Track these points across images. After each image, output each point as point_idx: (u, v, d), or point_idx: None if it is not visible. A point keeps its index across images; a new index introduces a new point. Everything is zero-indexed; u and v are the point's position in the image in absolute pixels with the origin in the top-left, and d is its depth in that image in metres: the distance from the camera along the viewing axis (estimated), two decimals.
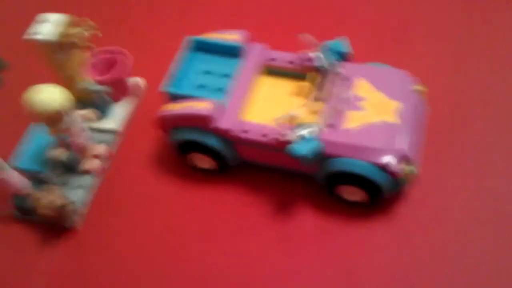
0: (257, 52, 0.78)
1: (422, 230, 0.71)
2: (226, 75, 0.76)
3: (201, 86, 0.76)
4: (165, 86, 0.75)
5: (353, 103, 0.71)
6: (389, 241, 0.70)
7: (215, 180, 0.79)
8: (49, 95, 0.69)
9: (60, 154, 0.76)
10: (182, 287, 0.71)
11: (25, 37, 0.76)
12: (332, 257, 0.70)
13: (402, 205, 0.73)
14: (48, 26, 0.77)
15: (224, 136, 0.72)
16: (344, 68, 0.73)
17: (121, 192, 0.80)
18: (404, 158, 0.67)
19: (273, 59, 0.77)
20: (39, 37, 0.76)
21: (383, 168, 0.67)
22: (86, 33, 0.79)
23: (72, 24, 0.79)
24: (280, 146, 0.69)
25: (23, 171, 0.77)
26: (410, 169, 0.67)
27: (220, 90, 0.75)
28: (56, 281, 0.73)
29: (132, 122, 0.88)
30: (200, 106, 0.71)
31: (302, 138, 0.67)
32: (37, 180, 0.78)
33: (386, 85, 0.72)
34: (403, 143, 0.67)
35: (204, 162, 0.78)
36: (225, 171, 0.78)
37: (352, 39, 0.77)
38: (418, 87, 0.73)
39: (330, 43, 0.75)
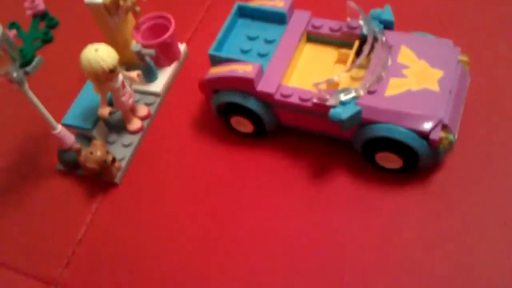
0: (301, 19, 0.79)
1: (458, 198, 0.71)
2: (270, 41, 0.78)
3: (246, 51, 0.78)
4: (210, 49, 0.77)
5: (396, 71, 0.71)
6: (425, 208, 0.71)
7: (254, 143, 0.81)
8: (104, 53, 0.72)
9: (106, 112, 0.79)
10: (214, 240, 0.73)
11: (86, 1, 0.80)
12: (367, 223, 0.71)
13: (438, 173, 0.73)
14: None
15: (265, 99, 0.74)
16: (388, 37, 0.74)
17: (160, 152, 0.83)
18: (443, 126, 0.67)
19: (317, 27, 0.78)
20: (97, 1, 0.79)
21: (422, 135, 0.67)
22: None
23: None
24: (320, 110, 0.70)
25: (71, 128, 0.81)
26: (448, 138, 0.68)
27: (264, 55, 0.77)
28: (100, 232, 0.77)
29: (174, 86, 0.90)
30: (244, 69, 0.73)
31: (342, 103, 0.69)
32: (84, 136, 0.82)
33: (429, 53, 0.72)
34: (443, 111, 0.67)
35: (243, 125, 0.80)
36: (263, 135, 0.80)
37: (396, 8, 0.77)
38: (461, 57, 0.73)
39: (375, 11, 0.75)
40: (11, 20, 0.74)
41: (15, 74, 0.69)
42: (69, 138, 0.79)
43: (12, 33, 0.71)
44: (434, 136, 0.67)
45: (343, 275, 0.68)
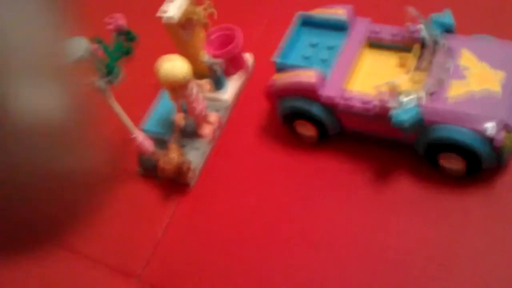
0: (361, 26, 0.82)
1: None
2: (332, 48, 0.81)
3: (308, 58, 0.81)
4: (274, 57, 0.81)
5: (456, 73, 0.72)
6: (489, 211, 0.71)
7: (318, 148, 0.84)
8: (178, 64, 0.79)
9: (180, 119, 0.85)
10: (283, 241, 0.77)
11: (158, 14, 0.87)
12: (428, 226, 0.72)
13: (501, 176, 0.73)
14: (177, 5, 0.86)
15: (328, 104, 0.77)
16: (448, 40, 0.75)
17: (230, 156, 0.88)
18: (505, 127, 0.68)
19: (377, 32, 0.80)
20: (168, 15, 0.86)
21: (484, 135, 0.68)
22: (206, 12, 0.88)
23: (194, 3, 0.88)
24: (381, 113, 0.73)
25: (149, 133, 0.88)
26: (511, 139, 0.68)
27: (325, 61, 0.80)
28: (177, 231, 0.82)
29: (242, 94, 0.95)
30: (306, 75, 0.77)
31: (403, 105, 0.71)
32: (161, 141, 0.89)
33: (490, 55, 0.72)
34: (505, 112, 0.68)
35: (307, 130, 0.83)
36: (326, 139, 0.83)
37: (456, 11, 0.78)
38: None
39: (434, 15, 0.77)
40: (95, 35, 0.81)
41: (100, 84, 0.76)
42: (148, 143, 0.86)
43: (96, 46, 0.79)
44: (497, 136, 0.67)
45: (406, 278, 0.69)
